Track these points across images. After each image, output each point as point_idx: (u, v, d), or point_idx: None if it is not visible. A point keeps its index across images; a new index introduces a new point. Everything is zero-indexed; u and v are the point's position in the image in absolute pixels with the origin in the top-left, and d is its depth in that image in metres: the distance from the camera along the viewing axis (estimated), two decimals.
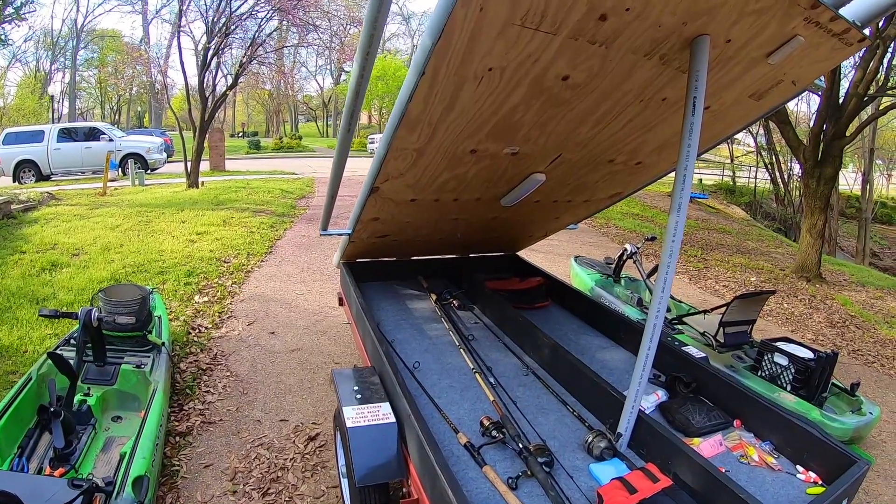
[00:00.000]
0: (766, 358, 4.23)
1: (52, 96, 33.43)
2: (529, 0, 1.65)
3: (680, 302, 5.83)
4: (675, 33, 1.97)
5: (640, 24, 1.87)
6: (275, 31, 16.11)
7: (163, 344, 3.87)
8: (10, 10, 15.67)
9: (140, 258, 7.38)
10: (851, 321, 7.95)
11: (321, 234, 4.07)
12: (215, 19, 13.86)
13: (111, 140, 18.83)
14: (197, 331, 5.43)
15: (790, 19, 2.03)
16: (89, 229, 8.84)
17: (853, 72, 10.45)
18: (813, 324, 7.69)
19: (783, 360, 4.11)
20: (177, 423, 3.84)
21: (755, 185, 30.94)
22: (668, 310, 5.57)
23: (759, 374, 4.27)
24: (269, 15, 14.21)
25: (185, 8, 14.48)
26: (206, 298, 6.30)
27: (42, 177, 18.23)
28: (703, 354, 3.76)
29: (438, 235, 4.24)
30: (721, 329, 4.56)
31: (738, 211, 23.85)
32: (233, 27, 13.87)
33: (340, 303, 4.59)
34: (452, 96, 2.07)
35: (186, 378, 4.46)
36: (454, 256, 4.95)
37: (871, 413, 4.06)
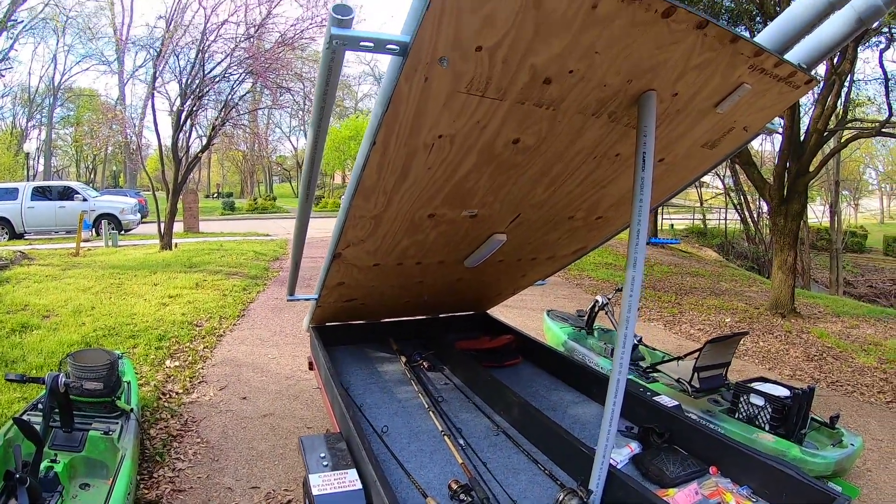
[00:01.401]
0: (742, 400, 4.23)
1: (28, 153, 33.27)
2: (473, 69, 1.68)
3: (654, 350, 5.83)
4: (621, 91, 2.01)
5: (586, 86, 1.91)
6: (247, 93, 16.27)
7: (131, 410, 3.77)
8: None
9: (111, 321, 7.27)
10: (828, 352, 8.04)
11: (288, 300, 4.05)
12: (189, 81, 13.96)
13: (85, 200, 18.87)
14: (167, 396, 5.31)
15: (735, 68, 2.09)
16: (61, 290, 8.77)
17: (813, 108, 10.81)
18: (790, 359, 7.74)
19: (759, 401, 4.11)
20: (146, 491, 3.72)
21: (726, 226, 31.49)
22: (643, 358, 5.59)
23: (736, 416, 4.26)
24: (241, 78, 14.36)
25: (159, 70, 14.59)
26: (177, 363, 6.18)
27: (15, 235, 18.12)
28: (676, 403, 3.74)
29: (406, 298, 4.23)
30: (695, 374, 4.55)
31: (711, 253, 24.19)
32: (206, 90, 13.98)
33: (311, 367, 4.53)
34: (405, 165, 2.10)
35: (156, 444, 4.33)
36: (424, 317, 4.92)
37: (852, 444, 4.06)
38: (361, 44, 1.52)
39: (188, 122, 14.46)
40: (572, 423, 3.32)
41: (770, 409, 4.02)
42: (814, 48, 2.43)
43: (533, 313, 8.76)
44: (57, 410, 3.20)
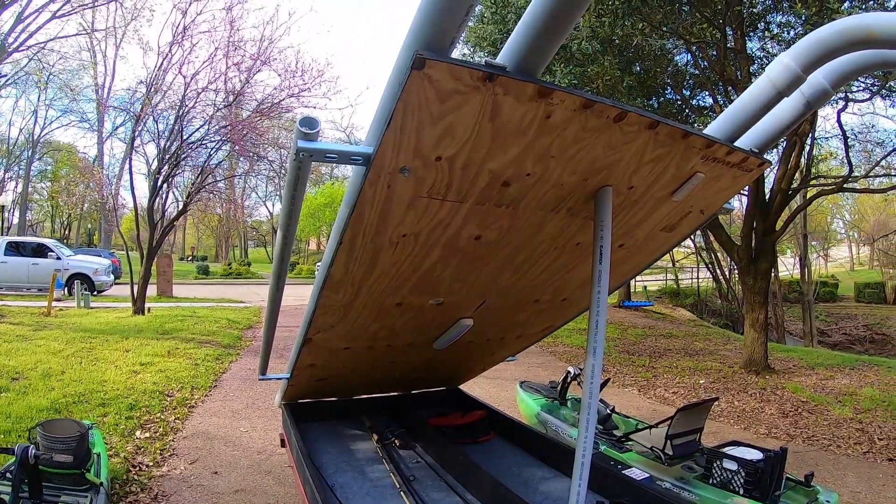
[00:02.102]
0: (715, 465, 4.22)
1: (3, 206, 32.88)
2: (434, 176, 1.78)
3: (627, 417, 5.82)
4: (577, 189, 2.11)
5: (543, 186, 2.01)
6: (223, 160, 16.41)
7: (101, 483, 3.68)
8: None
9: (81, 388, 7.13)
10: (803, 407, 8.10)
11: (260, 379, 4.04)
12: (167, 146, 14.04)
13: (59, 258, 18.73)
14: (137, 468, 5.18)
15: (688, 160, 2.20)
16: (31, 352, 8.65)
17: (776, 168, 11.11)
18: (765, 417, 7.77)
19: (732, 465, 4.10)
20: None
21: (698, 285, 31.83)
22: (616, 427, 5.57)
23: (710, 481, 4.23)
24: (218, 145, 14.49)
25: (138, 132, 14.69)
26: (147, 434, 6.04)
27: None
28: (647, 475, 3.74)
29: (378, 376, 4.25)
30: (668, 442, 4.54)
31: (685, 312, 24.32)
32: (184, 155, 14.07)
33: (283, 444, 4.47)
34: (372, 260, 2.18)
35: None
36: (397, 394, 4.92)
37: (828, 501, 4.06)
38: (327, 156, 1.61)
39: (164, 185, 14.47)
40: (543, 500, 3.33)
41: (743, 473, 4.01)
42: (765, 132, 2.55)
43: (506, 383, 8.71)
44: (26, 482, 3.16)
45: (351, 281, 2.33)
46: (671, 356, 12.09)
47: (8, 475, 3.30)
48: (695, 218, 2.88)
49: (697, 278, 31.96)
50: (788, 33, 9.54)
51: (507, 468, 3.84)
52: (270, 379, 4.06)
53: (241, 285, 29.17)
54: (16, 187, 42.81)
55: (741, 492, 4.01)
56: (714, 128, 2.45)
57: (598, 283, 2.17)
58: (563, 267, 2.83)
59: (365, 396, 4.82)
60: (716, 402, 6.95)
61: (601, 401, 5.65)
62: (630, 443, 5.01)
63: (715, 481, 4.20)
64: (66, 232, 49.79)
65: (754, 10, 9.62)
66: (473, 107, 1.56)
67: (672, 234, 2.94)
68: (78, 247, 36.09)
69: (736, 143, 2.36)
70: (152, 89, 13.93)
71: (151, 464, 5.32)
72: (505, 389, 8.37)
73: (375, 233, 1.99)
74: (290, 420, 4.01)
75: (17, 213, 42.89)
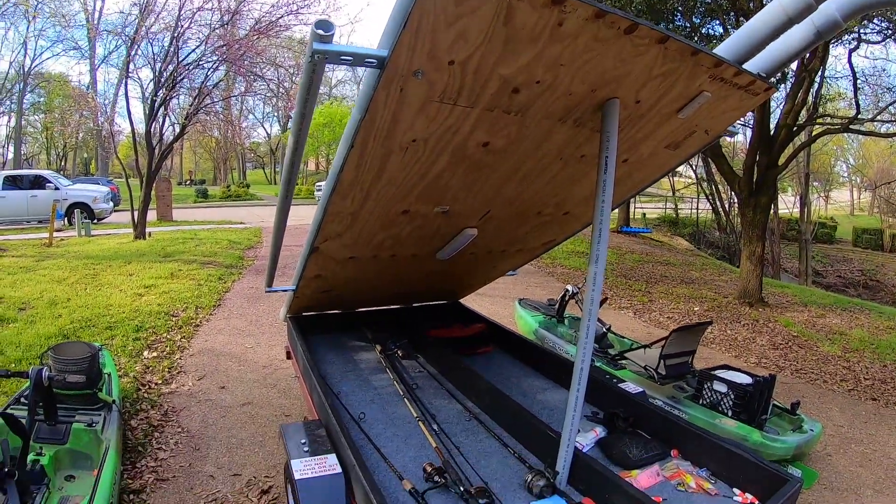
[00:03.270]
0: (705, 386, 4.38)
1: None
2: (445, 80, 1.80)
3: (623, 338, 5.96)
4: (585, 99, 2.14)
5: (552, 94, 2.04)
6: (221, 80, 16.10)
7: (113, 402, 3.81)
8: None
9: (88, 313, 7.26)
10: (794, 341, 8.26)
11: (266, 291, 4.12)
12: (162, 68, 13.79)
13: (57, 189, 18.55)
14: (147, 387, 5.33)
15: (695, 78, 2.22)
16: (35, 282, 8.73)
17: (783, 103, 11.04)
18: (756, 347, 7.93)
19: (722, 388, 4.26)
20: (130, 481, 3.77)
21: (697, 216, 31.81)
22: (612, 346, 5.72)
23: (700, 402, 4.41)
24: (215, 65, 14.22)
25: (132, 55, 14.39)
26: (154, 354, 6.20)
27: None
28: (640, 389, 3.87)
29: (381, 288, 4.34)
30: (662, 362, 4.67)
31: (682, 242, 24.42)
32: (180, 77, 13.83)
33: (288, 356, 4.60)
34: (381, 165, 2.22)
35: (138, 435, 4.38)
36: (399, 307, 5.04)
37: (811, 430, 4.23)
38: (342, 58, 1.63)
39: (161, 109, 14.28)
40: (541, 409, 3.46)
41: (732, 396, 4.18)
42: (773, 58, 2.56)
43: (505, 301, 8.86)
44: (41, 404, 3.25)
45: (360, 187, 2.38)
46: (667, 283, 12.23)
47: (23, 399, 3.43)
48: (699, 138, 2.91)
49: (697, 209, 31.93)
50: None
51: (506, 378, 3.98)
52: (277, 291, 4.14)
53: (241, 207, 29.12)
54: (9, 121, 42.11)
55: (729, 413, 4.18)
56: (722, 49, 2.46)
57: (603, 194, 2.23)
58: (568, 179, 2.88)
59: (367, 310, 4.95)
60: (709, 327, 7.05)
61: (599, 319, 5.74)
62: (625, 360, 5.19)
63: (705, 402, 4.38)
64: (63, 163, 49.36)
65: None
66: (488, 10, 1.58)
67: (676, 152, 2.98)
68: (76, 177, 35.80)
69: (744, 66, 2.37)
70: (146, 11, 13.58)
71: (160, 382, 5.48)
72: (504, 307, 8.50)
73: (386, 137, 2.02)
74: (295, 332, 4.12)
75: (11, 148, 42.39)
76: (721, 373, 4.42)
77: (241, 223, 19.57)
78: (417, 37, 1.61)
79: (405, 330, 4.71)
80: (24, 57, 38.50)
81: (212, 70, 14.25)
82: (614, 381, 4.19)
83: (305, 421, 3.16)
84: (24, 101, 41.08)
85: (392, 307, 5.04)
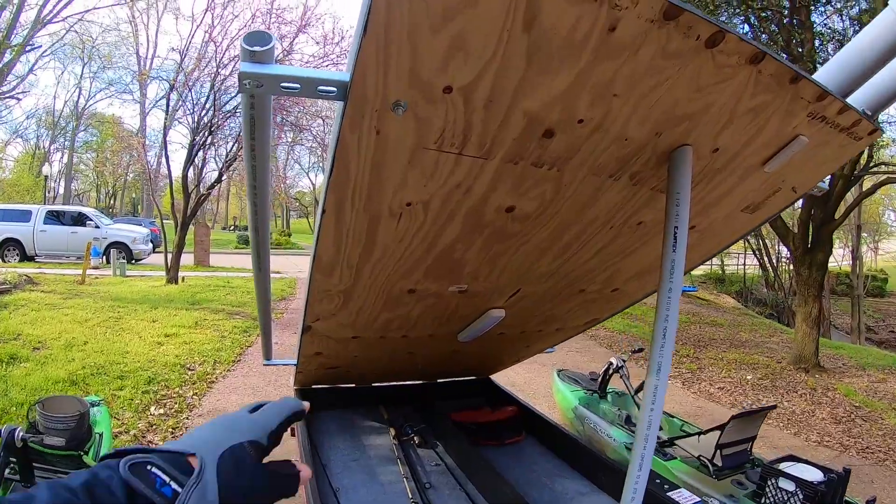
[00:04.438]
0: (770, 483, 3.74)
1: (46, 176, 33.59)
2: (442, 117, 1.24)
3: (672, 417, 5.32)
4: (647, 147, 1.55)
5: (600, 139, 1.46)
6: None
7: None
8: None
9: (102, 359, 7.00)
10: (857, 413, 7.65)
11: (264, 365, 3.64)
12: (202, 114, 13.84)
13: (97, 227, 18.94)
14: None
15: (792, 116, 1.61)
16: (57, 321, 8.58)
17: None
18: (817, 422, 7.32)
19: (790, 486, 3.62)
20: None
21: (745, 272, 30.95)
22: (661, 428, 5.09)
23: (762, 501, 3.77)
24: None
25: (173, 101, 14.53)
26: (162, 410, 5.85)
27: (26, 257, 18.15)
28: (697, 500, 3.29)
29: (397, 366, 3.77)
30: (718, 452, 4.12)
31: (729, 300, 23.71)
32: (218, 124, 13.83)
33: (292, 433, 4.05)
34: (368, 235, 1.65)
35: None
36: (420, 382, 4.45)
37: None
38: (284, 86, 1.09)
39: (200, 154, 14.31)
40: None
41: (801, 496, 3.54)
42: (880, 90, 1.95)
43: (542, 369, 8.29)
44: (14, 464, 2.95)
45: (346, 262, 1.83)
46: (716, 346, 11.56)
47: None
48: (783, 197, 2.28)
49: (744, 265, 31.08)
50: (854, 8, 8.82)
51: (537, 477, 3.34)
52: (276, 364, 3.64)
53: (281, 255, 29.12)
54: (61, 158, 43.70)
55: None
56: (819, 78, 1.85)
57: (671, 278, 1.61)
58: (619, 251, 2.25)
59: (384, 384, 4.38)
60: (771, 411, 6.48)
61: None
62: (674, 447, 4.61)
63: (768, 501, 3.73)
64: (112, 202, 50.84)
65: None
66: (497, 4, 1.02)
67: (754, 215, 2.35)
68: (122, 216, 36.62)
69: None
70: (185, 57, 13.71)
71: (161, 443, 5.01)
72: (540, 374, 8.01)
73: (368, 198, 1.47)
74: None
75: (62, 184, 43.82)
76: (787, 466, 3.78)
77: (278, 273, 19.25)
78: (388, 48, 1.06)
79: (426, 409, 4.12)
80: (79, 97, 40.07)
81: None
82: (665, 486, 3.64)
83: None
84: (77, 139, 42.57)
85: (413, 382, 4.45)
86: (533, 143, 1.38)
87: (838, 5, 9.41)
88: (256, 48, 1.06)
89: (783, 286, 25.55)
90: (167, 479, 0.64)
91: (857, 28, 9.24)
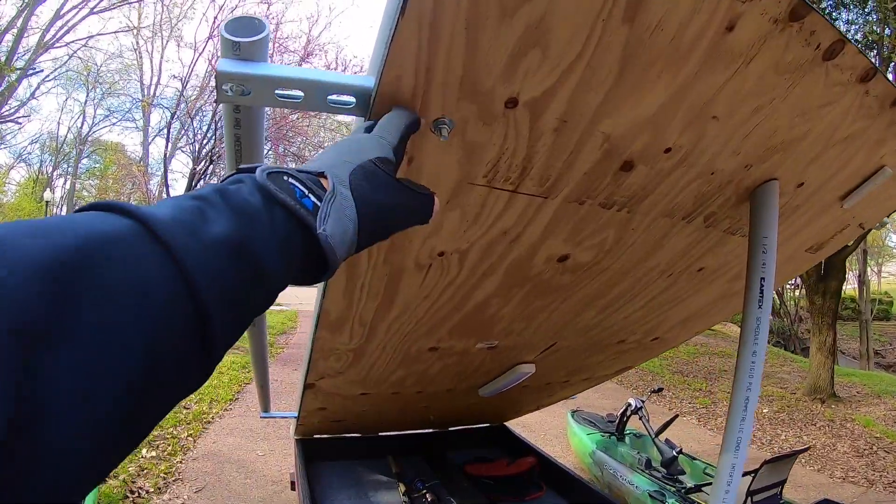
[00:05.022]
0: None
1: (48, 201, 33.36)
2: (499, 144, 0.94)
3: (695, 459, 5.01)
4: (731, 183, 1.26)
5: (684, 174, 1.17)
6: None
7: None
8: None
9: None
10: (878, 444, 7.44)
11: (261, 417, 3.33)
12: (203, 143, 13.67)
13: None
14: (136, 495, 4.66)
15: (881, 145, 1.34)
16: None
17: None
18: (839, 456, 7.09)
19: None
20: None
21: None
22: (683, 472, 4.82)
23: None
24: None
25: (175, 129, 14.43)
26: (154, 453, 5.52)
27: None
28: None
29: (407, 417, 3.46)
30: (749, 499, 3.87)
31: (735, 328, 23.44)
32: (217, 153, 13.65)
33: (293, 487, 3.73)
34: (388, 291, 1.35)
35: None
36: (430, 431, 4.12)
37: None
38: (280, 93, 0.77)
39: (200, 183, 14.13)
40: None
41: None
42: None
43: (554, 408, 7.87)
44: None
45: (357, 320, 1.52)
46: (728, 379, 11.21)
47: None
48: (849, 234, 1.99)
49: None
50: None
51: None
52: (274, 417, 3.33)
53: None
54: (64, 184, 43.58)
55: None
56: None
57: (755, 339, 1.31)
58: (671, 300, 1.94)
59: (392, 434, 4.06)
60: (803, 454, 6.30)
61: (666, 440, 5.01)
62: (699, 493, 4.35)
63: None
64: None
65: None
66: None
67: (816, 255, 2.06)
68: None
69: None
70: (186, 85, 13.60)
71: (152, 489, 4.80)
72: (553, 415, 7.57)
73: (390, 247, 1.17)
74: (300, 462, 3.28)
75: (64, 210, 43.72)
76: None
77: (278, 304, 18.85)
78: (434, 42, 0.74)
79: (437, 461, 3.79)
80: (82, 123, 40.11)
81: None
82: None
83: None
84: (80, 165, 42.57)
85: (423, 431, 4.12)
86: (607, 178, 1.09)
87: None
88: (242, 39, 0.74)
89: (789, 313, 25.26)
90: (306, 191, 0.57)
91: None
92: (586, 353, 2.48)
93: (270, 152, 14.37)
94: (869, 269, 35.59)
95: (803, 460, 6.87)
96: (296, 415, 3.06)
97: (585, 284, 1.57)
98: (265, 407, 3.29)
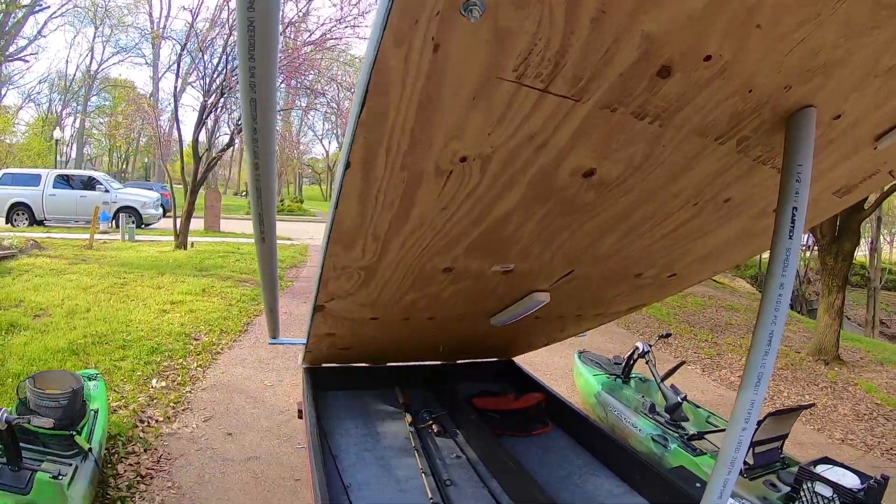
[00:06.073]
0: (805, 488, 3.47)
1: (57, 140, 33.32)
2: (532, 32, 0.87)
3: (698, 407, 5.01)
4: (768, 104, 1.19)
5: (721, 87, 1.11)
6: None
7: (89, 450, 3.26)
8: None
9: (104, 327, 6.71)
10: (878, 411, 7.35)
11: (270, 343, 3.34)
12: (214, 76, 13.45)
13: (107, 191, 18.63)
14: (146, 424, 4.71)
15: None
16: (61, 287, 8.30)
17: None
18: (839, 418, 7.05)
19: (826, 492, 3.35)
20: None
21: (760, 258, 30.49)
22: (686, 419, 4.80)
23: None
24: None
25: (185, 63, 14.21)
26: (164, 383, 5.57)
27: (35, 221, 17.90)
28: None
29: (416, 347, 3.45)
30: (751, 450, 3.81)
31: (744, 284, 23.37)
32: (228, 87, 13.44)
33: (300, 416, 3.77)
34: (404, 200, 1.29)
35: (121, 485, 3.76)
36: (439, 363, 4.12)
37: None
38: None
39: (211, 118, 13.97)
40: None
41: (838, 503, 3.28)
42: None
43: (561, 348, 7.87)
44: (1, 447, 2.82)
45: (371, 233, 1.48)
46: (734, 333, 11.20)
47: None
48: (878, 180, 1.91)
49: None
50: None
51: (566, 475, 3.03)
52: (283, 343, 3.33)
53: (292, 222, 28.51)
54: (73, 122, 43.39)
55: None
56: None
57: (783, 272, 1.26)
58: (693, 232, 1.88)
59: (400, 364, 4.08)
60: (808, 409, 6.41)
61: (672, 386, 4.96)
62: (702, 440, 4.33)
63: None
64: (125, 166, 50.72)
65: None
66: None
67: (842, 199, 1.99)
68: (132, 181, 36.41)
69: None
70: (197, 17, 13.32)
71: (162, 418, 4.86)
72: (559, 355, 7.67)
73: (410, 148, 1.10)
74: (307, 391, 3.31)
75: (75, 148, 43.66)
76: (824, 470, 3.53)
77: (289, 239, 18.90)
78: None
79: (444, 393, 3.82)
80: (91, 61, 39.65)
81: None
82: (697, 485, 3.39)
83: None
84: (90, 103, 42.25)
85: (431, 363, 4.13)
86: (643, 82, 1.02)
87: None
88: None
89: (798, 274, 25.14)
90: None
91: None
92: (602, 286, 2.44)
93: (283, 84, 14.15)
94: (882, 237, 35.18)
95: (804, 418, 6.82)
96: (304, 341, 3.06)
97: (609, 205, 1.52)
98: (274, 333, 3.28)
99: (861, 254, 28.29)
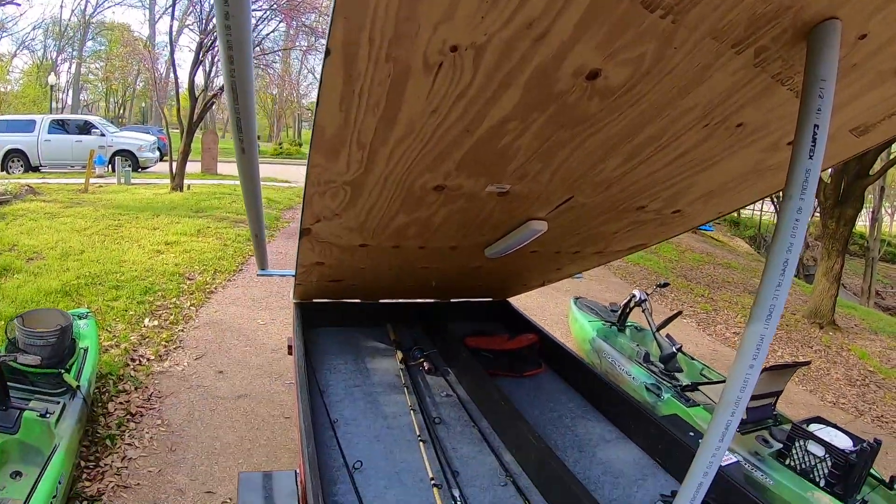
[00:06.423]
0: (797, 446, 3.50)
1: (52, 86, 32.76)
2: None
3: (693, 359, 5.04)
4: (791, 10, 1.09)
5: None
6: (273, 31, 15.41)
7: (77, 387, 3.30)
8: None
9: (98, 268, 6.75)
10: (871, 378, 7.54)
11: (258, 275, 3.28)
12: (210, 15, 13.12)
13: (103, 135, 18.39)
14: (137, 362, 4.77)
15: None
16: (54, 230, 8.31)
17: None
18: (832, 381, 7.22)
19: (819, 451, 3.38)
20: (88, 484, 3.25)
21: (760, 218, 30.42)
22: (681, 370, 4.86)
23: (787, 463, 3.53)
24: (266, 15, 13.48)
25: (185, 8, 13.85)
26: (156, 322, 5.63)
27: (31, 167, 17.75)
28: (735, 460, 2.96)
29: (408, 282, 3.38)
30: None
31: (742, 244, 23.45)
32: None
33: (290, 351, 3.72)
34: (390, 100, 1.19)
35: (111, 423, 3.84)
36: (432, 301, 4.06)
37: None
38: None
39: (208, 58, 13.66)
40: (602, 474, 2.51)
41: (830, 464, 3.31)
42: None
43: (557, 294, 8.01)
44: None
45: (356, 139, 1.36)
46: (730, 289, 11.42)
47: None
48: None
49: (760, 210, 30.44)
50: None
51: (558, 417, 3.01)
52: (272, 275, 3.27)
53: (291, 165, 28.34)
54: (69, 68, 42.59)
55: (822, 483, 3.32)
56: None
57: (802, 193, 1.17)
58: (701, 160, 1.75)
59: (392, 301, 4.05)
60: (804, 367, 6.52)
61: (668, 336, 5.03)
62: (696, 392, 4.40)
63: (794, 464, 3.50)
64: (122, 111, 50.14)
65: None
66: None
67: (860, 139, 1.87)
68: (127, 125, 35.97)
69: None
70: None
71: (153, 357, 4.95)
72: (554, 301, 7.77)
73: (395, 35, 0.99)
74: (297, 325, 3.26)
75: (71, 94, 42.94)
76: (816, 429, 3.55)
77: (287, 182, 18.89)
78: None
79: (437, 331, 3.77)
80: (86, 5, 38.72)
81: (261, 21, 13.52)
82: (692, 434, 3.46)
83: (278, 472, 2.27)
84: (85, 48, 41.42)
85: (424, 301, 4.09)
86: None
87: None
88: None
89: None
90: None
91: None
92: (602, 218, 2.34)
93: (282, 25, 13.83)
94: (883, 209, 35.01)
95: (797, 378, 6.93)
96: (293, 273, 2.99)
97: (614, 118, 1.40)
98: (262, 264, 3.20)
99: (861, 223, 28.23)
